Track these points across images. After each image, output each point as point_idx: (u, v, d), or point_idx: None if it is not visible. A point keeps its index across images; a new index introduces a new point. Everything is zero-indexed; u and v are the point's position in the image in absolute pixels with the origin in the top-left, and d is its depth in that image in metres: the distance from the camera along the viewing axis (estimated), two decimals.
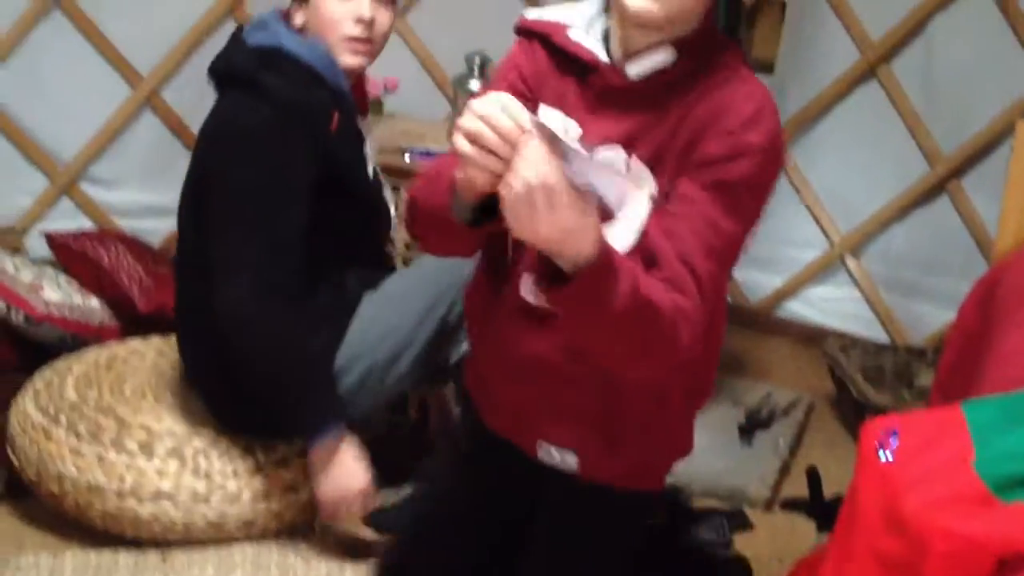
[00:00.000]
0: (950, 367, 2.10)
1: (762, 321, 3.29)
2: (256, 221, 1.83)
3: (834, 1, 3.00)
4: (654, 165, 1.36)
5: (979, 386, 1.87)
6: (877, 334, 3.12)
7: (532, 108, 1.28)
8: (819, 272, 3.22)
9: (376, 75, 3.18)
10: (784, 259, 3.26)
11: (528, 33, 1.46)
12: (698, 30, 1.36)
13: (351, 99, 2.01)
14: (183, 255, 2.03)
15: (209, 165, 1.91)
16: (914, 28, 2.93)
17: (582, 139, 1.22)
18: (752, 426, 2.65)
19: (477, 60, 2.99)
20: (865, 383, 2.68)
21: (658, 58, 1.35)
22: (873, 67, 3.00)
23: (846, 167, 3.13)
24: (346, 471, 1.88)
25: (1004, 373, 1.81)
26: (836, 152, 3.14)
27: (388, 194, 2.16)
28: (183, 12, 3.06)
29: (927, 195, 3.01)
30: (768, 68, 3.15)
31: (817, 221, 3.19)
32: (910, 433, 1.54)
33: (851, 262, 3.16)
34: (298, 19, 1.96)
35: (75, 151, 3.09)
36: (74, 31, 2.99)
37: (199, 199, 1.92)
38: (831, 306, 3.22)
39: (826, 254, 3.19)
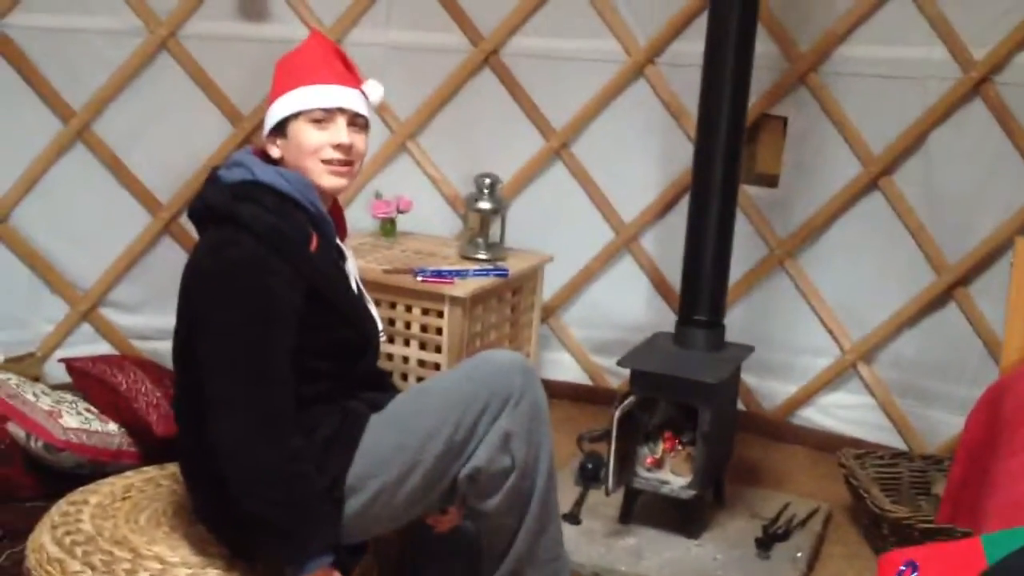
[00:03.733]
0: (959, 480, 2.10)
1: (777, 429, 3.29)
2: (245, 354, 1.86)
3: (835, 116, 3.09)
4: None
5: (986, 502, 1.87)
6: (892, 441, 3.12)
7: None
8: (832, 379, 3.23)
9: (390, 196, 3.30)
10: (797, 367, 3.28)
11: None
12: None
13: (329, 220, 2.08)
14: (179, 390, 2.07)
15: (195, 302, 1.96)
16: (914, 142, 3.00)
17: None
18: (770, 538, 2.62)
19: (487, 181, 3.09)
20: (881, 493, 2.66)
21: None
22: (875, 179, 3.06)
23: (855, 276, 3.18)
24: None
25: (1011, 492, 1.81)
26: (844, 261, 3.19)
27: (373, 309, 2.20)
28: (200, 143, 3.18)
29: (935, 303, 3.04)
30: (772, 183, 3.23)
31: (828, 329, 3.21)
32: (930, 567, 1.54)
33: (863, 369, 3.18)
34: (274, 152, 2.04)
35: (96, 277, 3.18)
36: (96, 162, 3.10)
37: (188, 336, 1.96)
38: (845, 413, 3.23)
39: (838, 361, 3.21)
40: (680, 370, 2.65)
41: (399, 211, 3.25)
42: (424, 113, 3.41)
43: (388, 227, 3.24)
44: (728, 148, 2.75)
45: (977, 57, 2.86)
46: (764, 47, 3.13)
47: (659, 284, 3.38)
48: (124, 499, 2.20)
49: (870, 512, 2.66)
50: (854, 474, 2.76)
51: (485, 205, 3.06)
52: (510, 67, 3.37)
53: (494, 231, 3.13)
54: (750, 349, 2.87)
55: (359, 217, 3.26)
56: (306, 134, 2.00)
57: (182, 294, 2.00)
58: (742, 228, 3.24)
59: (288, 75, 2.05)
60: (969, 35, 2.88)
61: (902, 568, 1.55)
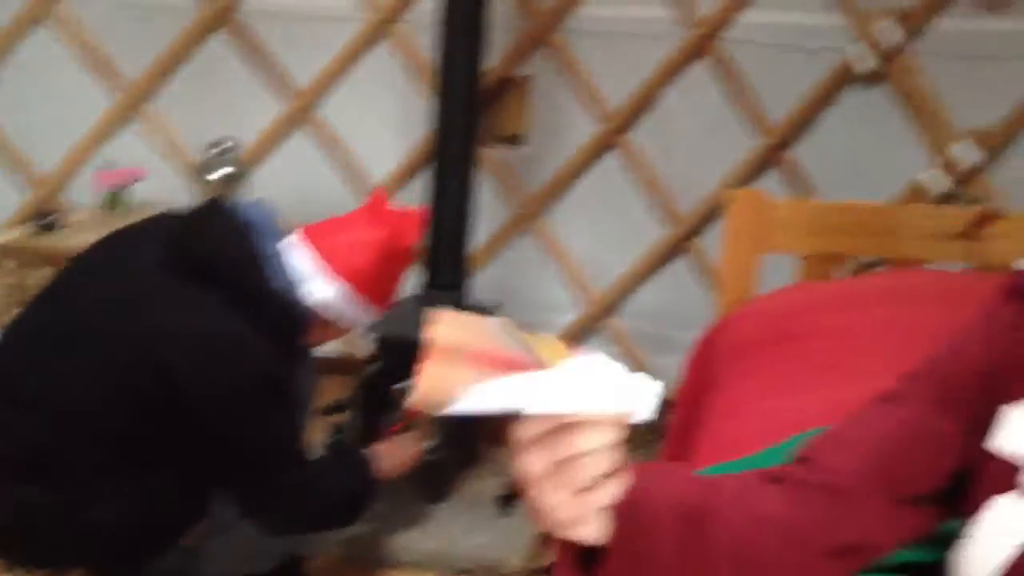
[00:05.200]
0: (680, 422, 2.17)
1: None
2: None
3: (576, 75, 3.13)
4: None
5: (696, 440, 1.95)
6: None
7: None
8: (579, 334, 3.30)
9: (121, 166, 3.13)
10: (546, 324, 3.32)
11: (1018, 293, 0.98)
12: None
13: None
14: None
15: None
16: (647, 99, 3.08)
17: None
18: (513, 495, 2.67)
19: (219, 147, 2.96)
20: None
21: None
22: (614, 137, 3.13)
23: (598, 232, 3.25)
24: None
25: (717, 428, 1.89)
26: (588, 218, 3.25)
27: None
28: None
29: (669, 254, 3.15)
30: (518, 142, 3.25)
31: (574, 284, 3.28)
32: None
33: (608, 322, 3.26)
34: None
35: None
36: None
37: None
38: None
39: (584, 315, 3.28)
40: (422, 333, 2.64)
41: (128, 182, 3.08)
42: (155, 75, 3.23)
43: (113, 199, 3.06)
44: (466, 108, 2.75)
45: (703, 15, 2.96)
46: (505, 6, 3.14)
47: None
48: None
49: None
50: None
51: (218, 173, 2.94)
52: (247, 25, 3.24)
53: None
54: (497, 307, 2.89)
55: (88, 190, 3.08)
56: None
57: None
58: (489, 188, 3.27)
59: None
60: None
61: None
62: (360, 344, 3.29)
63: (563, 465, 0.82)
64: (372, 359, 2.60)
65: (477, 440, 2.90)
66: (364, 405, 2.54)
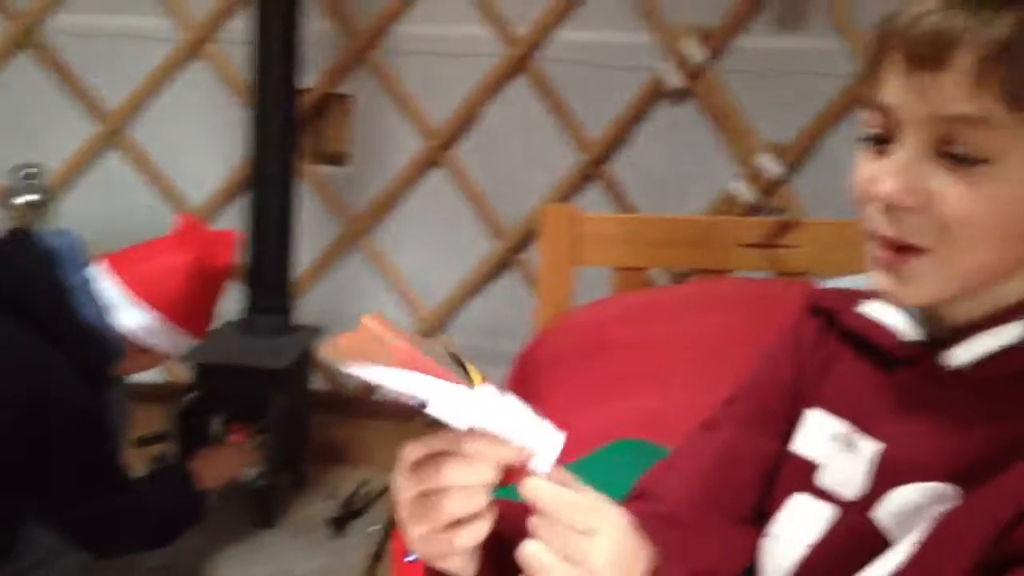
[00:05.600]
0: None
1: (362, 406, 3.31)
2: None
3: (397, 94, 3.13)
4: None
5: None
6: None
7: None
8: None
9: None
10: None
11: (816, 309, 1.05)
12: None
13: None
14: None
15: None
16: (470, 116, 3.11)
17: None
18: (345, 517, 2.64)
19: (26, 172, 2.84)
20: None
21: (994, 339, 0.86)
22: (438, 153, 3.15)
23: (427, 248, 3.25)
24: None
25: None
26: (416, 235, 3.25)
27: None
28: None
29: (497, 268, 3.19)
30: (341, 160, 3.23)
31: (405, 301, 3.28)
32: None
33: (439, 337, 3.27)
34: None
35: None
36: None
37: None
38: None
39: (414, 332, 3.27)
40: (244, 359, 2.60)
41: None
42: None
43: None
44: (284, 127, 2.72)
45: (520, 34, 3.01)
46: (324, 24, 3.12)
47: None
48: None
49: None
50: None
51: (22, 199, 2.81)
52: (53, 46, 3.11)
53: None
54: (321, 330, 2.86)
55: None
56: None
57: None
58: (315, 208, 3.24)
59: None
60: (511, 14, 3.01)
61: None
62: (180, 372, 3.20)
63: (429, 497, 0.79)
64: (191, 387, 2.53)
65: (305, 463, 2.86)
66: (183, 435, 2.47)
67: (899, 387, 0.91)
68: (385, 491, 2.79)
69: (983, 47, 0.77)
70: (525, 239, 3.14)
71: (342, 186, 3.25)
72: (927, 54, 0.79)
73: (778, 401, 1.02)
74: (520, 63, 3.02)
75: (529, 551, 0.77)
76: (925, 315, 0.91)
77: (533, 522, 0.77)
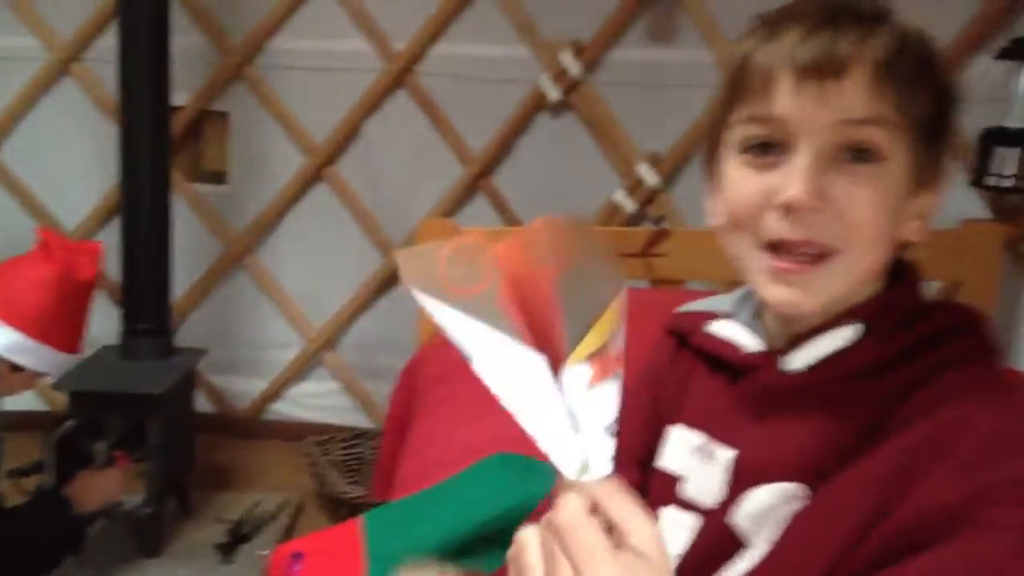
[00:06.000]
0: (387, 454, 2.19)
1: (251, 427, 3.27)
2: None
3: (276, 109, 3.10)
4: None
5: (397, 474, 1.97)
6: (362, 422, 3.22)
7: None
8: (299, 370, 3.26)
9: None
10: (265, 362, 3.28)
11: (671, 332, 1.09)
12: (889, 293, 0.93)
13: None
14: None
15: None
16: (352, 131, 3.09)
17: None
18: (234, 541, 2.59)
19: None
20: (341, 477, 2.73)
21: (830, 342, 0.91)
22: (320, 170, 3.12)
23: (312, 266, 3.22)
24: None
25: (414, 462, 1.92)
26: (300, 252, 3.22)
27: None
28: None
29: (385, 284, 3.17)
30: (220, 179, 3.18)
31: (291, 320, 3.24)
32: (315, 555, 1.56)
33: (328, 356, 3.24)
34: None
35: None
36: None
37: None
38: (316, 401, 3.28)
39: (303, 351, 3.24)
40: (122, 384, 2.53)
41: None
42: None
43: None
44: (155, 146, 2.66)
45: (399, 49, 3.00)
46: (197, 40, 3.07)
47: (112, 292, 3.20)
48: None
49: (331, 496, 2.73)
50: (315, 461, 2.81)
51: None
52: None
53: None
54: (202, 352, 2.81)
55: None
56: None
57: None
58: (195, 228, 3.18)
59: None
60: (389, 28, 3.01)
61: (291, 559, 1.57)
62: (57, 399, 3.10)
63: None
64: (66, 415, 2.46)
65: (191, 488, 2.80)
66: (60, 464, 2.39)
67: (747, 396, 0.95)
68: (277, 513, 2.75)
69: (874, 62, 0.84)
70: None
71: (222, 205, 3.20)
72: (823, 68, 0.84)
73: (639, 432, 1.06)
74: (400, 77, 3.02)
75: (524, 537, 0.73)
76: (766, 327, 0.96)
77: (545, 520, 0.72)
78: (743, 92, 0.89)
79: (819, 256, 0.86)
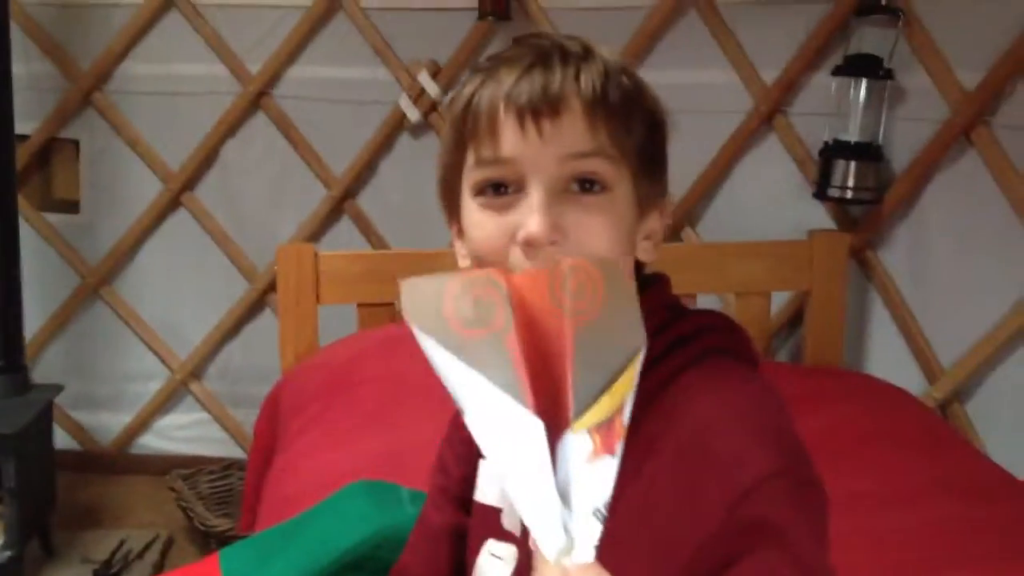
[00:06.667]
0: (251, 487, 2.16)
1: (116, 463, 3.18)
2: None
3: (128, 135, 3.03)
4: None
5: (261, 504, 1.95)
6: (235, 452, 3.16)
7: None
8: (165, 401, 3.19)
9: None
10: (129, 395, 3.19)
11: None
12: None
13: None
14: None
15: None
16: (209, 155, 3.04)
17: None
18: None
19: None
20: (207, 510, 2.69)
21: None
22: (178, 196, 3.06)
23: (174, 294, 3.15)
24: None
25: (276, 491, 1.90)
26: (161, 281, 3.15)
27: None
28: None
29: (251, 310, 3.13)
30: (73, 208, 3.10)
31: (154, 351, 3.16)
32: None
33: (194, 386, 3.18)
34: None
35: None
36: None
37: None
38: (184, 433, 3.21)
39: (168, 382, 3.17)
40: None
41: None
42: None
43: None
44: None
45: (254, 72, 2.97)
46: (43, 68, 2.99)
47: None
48: None
49: (199, 530, 2.68)
50: (182, 495, 2.76)
51: None
52: None
53: None
54: (59, 388, 2.73)
55: None
56: None
57: None
58: (49, 259, 3.08)
59: None
60: (242, 51, 2.97)
61: None
62: None
63: None
64: None
65: (54, 529, 2.71)
66: None
67: None
68: (145, 550, 2.69)
69: (585, 97, 0.89)
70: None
71: (76, 234, 3.11)
72: (541, 108, 0.88)
73: (454, 470, 1.10)
74: (256, 100, 2.99)
75: None
76: None
77: None
78: (470, 136, 0.93)
79: None
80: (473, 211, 0.93)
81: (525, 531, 0.95)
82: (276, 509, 1.81)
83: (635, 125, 0.92)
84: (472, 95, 0.93)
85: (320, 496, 1.70)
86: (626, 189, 0.92)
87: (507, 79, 0.90)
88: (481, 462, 1.05)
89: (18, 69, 2.68)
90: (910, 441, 2.06)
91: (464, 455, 1.09)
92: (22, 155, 2.89)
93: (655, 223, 0.98)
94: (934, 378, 2.61)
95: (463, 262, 0.98)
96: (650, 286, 0.98)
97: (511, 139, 0.89)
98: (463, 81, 0.97)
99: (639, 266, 0.99)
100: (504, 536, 0.99)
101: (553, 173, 0.89)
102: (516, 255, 0.89)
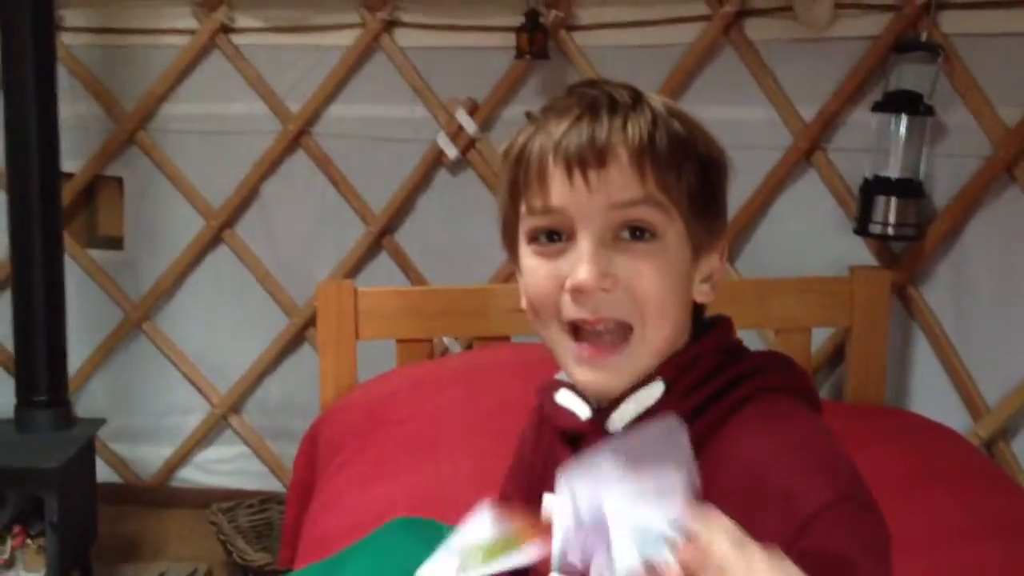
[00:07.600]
0: (293, 520, 2.17)
1: (157, 496, 3.20)
2: None
3: (170, 173, 3.08)
4: None
5: (301, 540, 1.95)
6: (273, 486, 3.17)
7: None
8: (205, 435, 3.21)
9: None
10: (169, 428, 3.22)
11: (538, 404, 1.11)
12: (687, 351, 0.97)
13: None
14: None
15: None
16: (250, 193, 3.08)
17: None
18: None
19: None
20: (247, 544, 2.69)
21: (640, 401, 0.96)
22: (219, 232, 3.10)
23: (214, 329, 3.18)
24: None
25: (317, 527, 1.91)
26: (202, 316, 3.18)
27: None
28: None
29: (290, 345, 3.15)
30: (117, 244, 3.14)
31: (194, 385, 3.19)
32: None
33: (234, 420, 3.20)
34: None
35: None
36: None
37: None
38: (223, 467, 3.23)
39: (208, 416, 3.20)
40: (17, 459, 2.47)
41: None
42: None
43: None
44: (46, 213, 2.63)
45: (294, 110, 3.01)
46: (89, 108, 3.05)
47: (5, 363, 3.11)
48: None
49: (238, 564, 2.69)
50: (222, 528, 2.77)
51: None
52: None
53: None
54: (101, 422, 2.76)
55: None
56: None
57: None
58: (93, 294, 3.13)
59: None
60: (284, 90, 3.01)
61: None
62: None
63: None
64: None
65: (95, 562, 2.73)
66: None
67: None
68: None
69: (632, 146, 0.90)
70: (314, 316, 3.12)
71: (119, 271, 3.16)
72: (588, 158, 0.90)
73: (517, 503, 1.09)
74: (297, 138, 3.02)
75: None
76: (593, 392, 1.00)
77: None
78: (522, 186, 0.95)
79: (619, 335, 0.92)
80: (527, 257, 0.96)
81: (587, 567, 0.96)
82: (315, 545, 1.81)
83: (686, 170, 0.93)
84: (524, 145, 0.95)
85: (360, 533, 1.71)
86: (678, 234, 0.93)
87: (556, 130, 0.92)
88: (545, 496, 1.05)
89: (64, 109, 2.75)
90: (958, 481, 2.03)
91: (526, 489, 1.10)
92: (68, 193, 2.95)
93: (714, 263, 0.99)
94: (978, 415, 2.57)
95: (523, 306, 1.00)
96: (710, 329, 0.99)
97: (560, 189, 0.91)
98: (517, 131, 0.98)
99: (699, 308, 0.99)
100: (565, 571, 0.99)
101: (601, 222, 0.90)
102: (566, 302, 0.91)
